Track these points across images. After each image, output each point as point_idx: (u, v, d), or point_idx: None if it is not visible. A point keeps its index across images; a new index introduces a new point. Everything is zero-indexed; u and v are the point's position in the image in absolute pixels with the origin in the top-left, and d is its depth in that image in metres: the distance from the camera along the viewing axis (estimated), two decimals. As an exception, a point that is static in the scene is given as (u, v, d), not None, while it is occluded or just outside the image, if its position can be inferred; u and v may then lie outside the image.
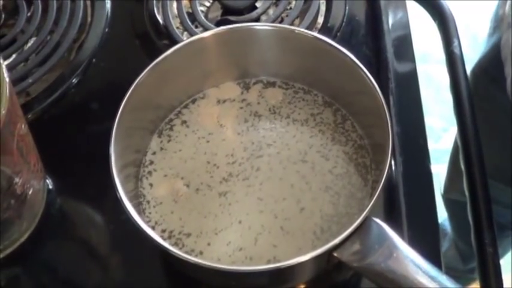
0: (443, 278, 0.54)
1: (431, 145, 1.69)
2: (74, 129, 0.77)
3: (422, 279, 0.54)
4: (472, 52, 1.10)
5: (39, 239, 0.69)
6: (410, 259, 0.55)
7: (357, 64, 0.63)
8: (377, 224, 0.57)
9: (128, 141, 0.64)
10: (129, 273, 0.69)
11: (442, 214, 1.40)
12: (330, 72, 0.67)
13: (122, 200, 0.57)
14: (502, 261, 1.55)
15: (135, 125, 0.65)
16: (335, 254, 0.55)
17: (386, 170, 0.57)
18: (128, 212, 0.57)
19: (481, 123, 0.77)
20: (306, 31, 0.67)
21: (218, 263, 0.61)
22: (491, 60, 0.95)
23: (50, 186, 0.72)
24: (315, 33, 0.68)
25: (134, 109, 0.64)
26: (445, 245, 1.44)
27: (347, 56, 0.64)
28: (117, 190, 0.58)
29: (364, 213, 0.55)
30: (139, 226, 0.57)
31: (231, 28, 0.68)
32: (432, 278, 0.54)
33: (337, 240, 0.55)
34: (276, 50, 0.69)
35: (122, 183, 0.59)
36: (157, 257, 0.68)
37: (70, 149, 0.75)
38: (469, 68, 0.98)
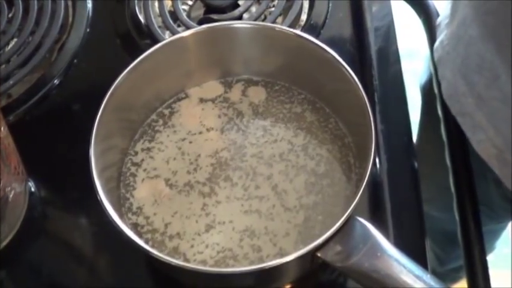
0: (428, 277, 0.54)
1: (419, 142, 1.66)
2: (56, 131, 0.76)
3: (407, 279, 0.53)
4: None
5: (22, 242, 0.68)
6: (394, 258, 0.54)
7: (339, 61, 0.63)
8: (361, 223, 0.57)
9: (109, 143, 0.63)
10: (113, 275, 0.69)
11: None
12: (313, 70, 0.66)
13: (102, 202, 0.57)
14: (502, 259, 1.55)
15: (117, 126, 0.65)
16: (319, 254, 0.55)
17: (369, 169, 0.57)
18: (109, 214, 0.56)
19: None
20: (287, 29, 0.67)
21: (201, 265, 0.60)
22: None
23: (32, 189, 0.72)
24: (297, 31, 0.67)
25: (115, 110, 0.63)
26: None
27: (329, 53, 0.64)
28: (98, 193, 0.57)
29: (347, 212, 0.55)
30: (121, 229, 0.56)
31: (210, 27, 0.67)
32: (417, 277, 0.53)
33: (320, 240, 0.54)
34: (258, 48, 0.68)
35: (102, 185, 0.58)
36: (141, 259, 0.67)
37: (52, 151, 0.74)
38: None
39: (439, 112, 0.79)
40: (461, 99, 0.74)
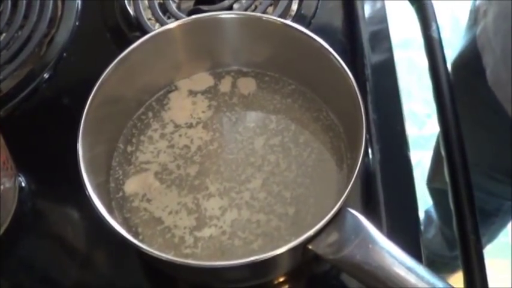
0: (421, 269, 0.53)
1: (415, 131, 1.69)
2: (46, 125, 0.76)
3: (399, 270, 0.53)
4: (455, 36, 1.09)
5: (13, 238, 0.68)
6: (386, 250, 0.54)
7: (328, 51, 0.62)
8: (352, 214, 0.56)
9: (98, 136, 0.63)
10: (105, 269, 0.69)
11: (429, 201, 1.40)
12: (302, 59, 0.66)
13: (90, 197, 0.56)
14: (500, 248, 1.55)
15: (105, 119, 0.64)
16: (310, 247, 0.54)
17: (360, 159, 0.56)
18: (98, 210, 0.56)
19: (462, 115, 0.76)
20: (275, 18, 0.66)
21: (193, 259, 0.59)
22: (472, 53, 0.94)
23: (23, 184, 0.71)
24: (284, 20, 0.66)
25: (103, 103, 0.62)
26: (431, 232, 1.44)
27: (318, 42, 0.63)
28: (86, 188, 0.57)
29: (338, 203, 0.54)
30: (110, 225, 0.55)
31: (196, 18, 0.66)
32: (409, 269, 0.53)
33: (311, 232, 0.54)
34: (247, 39, 0.68)
35: (91, 180, 0.58)
36: (133, 253, 0.67)
37: (42, 146, 0.74)
38: (449, 53, 0.97)
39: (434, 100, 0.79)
40: (505, 87, 0.76)
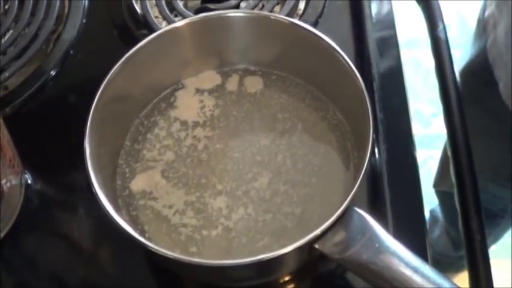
0: (427, 269, 0.53)
1: (421, 131, 1.69)
2: (53, 123, 0.76)
3: (405, 270, 0.53)
4: (462, 36, 1.09)
5: (19, 235, 0.68)
6: (392, 250, 0.54)
7: (335, 49, 0.62)
8: (359, 214, 0.56)
9: (104, 134, 0.62)
10: (111, 266, 0.69)
11: (434, 200, 1.39)
12: (310, 58, 0.66)
13: (97, 195, 0.56)
14: (502, 247, 1.55)
15: (112, 117, 0.64)
16: (316, 246, 0.54)
17: (367, 158, 0.56)
18: (104, 207, 0.56)
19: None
20: (283, 17, 0.66)
21: (199, 257, 0.59)
22: (481, 64, 0.94)
23: (29, 181, 0.71)
24: (292, 19, 0.66)
25: (110, 101, 0.62)
26: (436, 231, 1.44)
27: (325, 41, 0.63)
28: (93, 185, 0.57)
29: (345, 203, 0.54)
30: (117, 222, 0.55)
31: (203, 16, 0.66)
32: (415, 269, 0.53)
33: (317, 232, 0.54)
34: (254, 37, 0.67)
35: (98, 177, 0.58)
36: (139, 251, 0.67)
37: (49, 143, 0.74)
38: (456, 54, 0.97)
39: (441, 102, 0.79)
40: None
